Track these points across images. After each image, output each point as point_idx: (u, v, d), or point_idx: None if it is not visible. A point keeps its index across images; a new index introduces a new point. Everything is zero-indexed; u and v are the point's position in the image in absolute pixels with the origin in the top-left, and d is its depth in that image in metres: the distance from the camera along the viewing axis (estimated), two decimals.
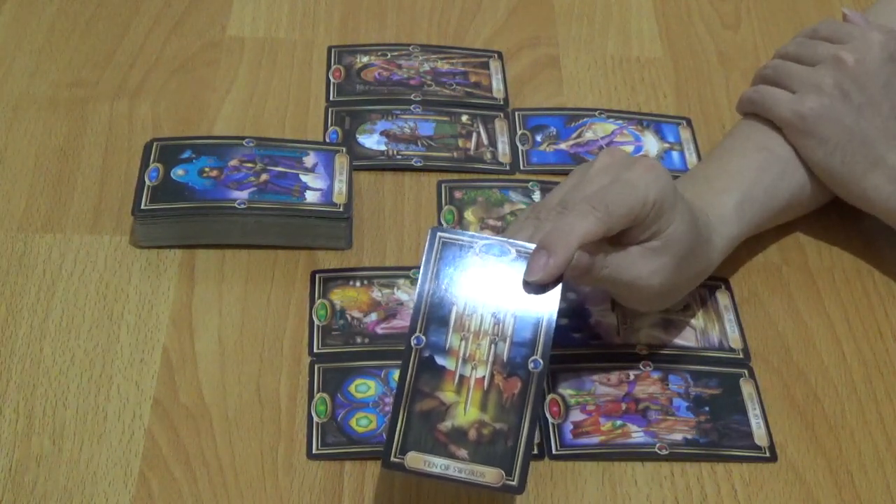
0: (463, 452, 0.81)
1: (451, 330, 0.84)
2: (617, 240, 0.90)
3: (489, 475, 0.81)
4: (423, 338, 0.83)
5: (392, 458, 0.81)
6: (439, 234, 0.87)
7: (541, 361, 0.83)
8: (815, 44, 1.05)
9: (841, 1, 1.32)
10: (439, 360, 0.83)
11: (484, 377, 0.83)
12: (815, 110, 1.01)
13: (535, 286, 0.85)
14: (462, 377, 0.83)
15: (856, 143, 1.01)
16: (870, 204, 1.02)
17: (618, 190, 0.88)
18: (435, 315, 0.84)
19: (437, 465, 0.81)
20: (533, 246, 0.86)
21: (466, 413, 0.82)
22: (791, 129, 1.02)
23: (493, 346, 0.84)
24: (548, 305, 0.85)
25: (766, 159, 1.02)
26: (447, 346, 0.84)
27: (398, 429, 0.81)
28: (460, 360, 0.83)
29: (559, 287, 0.86)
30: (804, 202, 1.05)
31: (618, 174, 0.89)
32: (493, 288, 0.85)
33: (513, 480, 0.81)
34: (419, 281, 0.85)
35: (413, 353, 0.83)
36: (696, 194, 0.98)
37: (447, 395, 0.82)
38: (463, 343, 0.84)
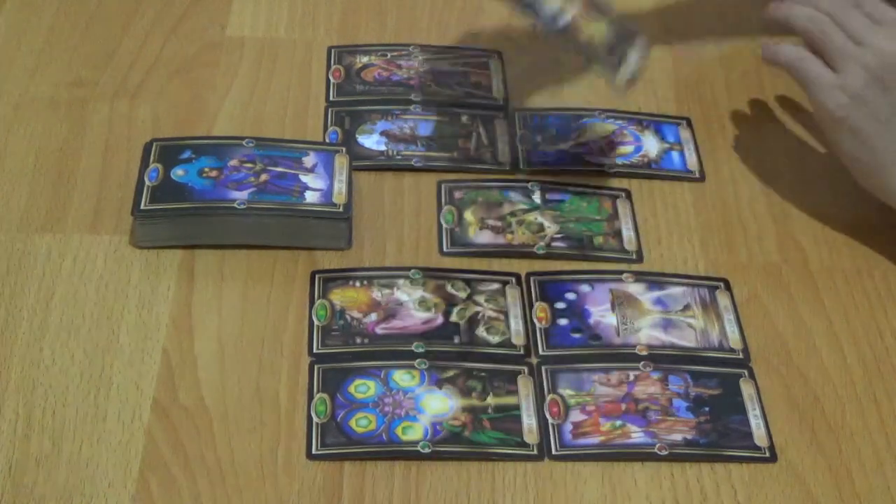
0: None
1: None
2: None
3: None
4: None
5: None
6: None
7: None
8: (853, 13, 1.04)
9: None
10: None
11: None
12: (850, 107, 1.01)
13: None
14: None
15: (887, 140, 1.01)
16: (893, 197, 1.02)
17: None
18: None
19: None
20: None
21: None
22: (826, 119, 1.02)
23: None
24: None
25: None
26: None
27: None
28: None
29: None
30: None
31: None
32: None
33: None
34: None
35: None
36: None
37: None
38: None
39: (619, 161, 1.13)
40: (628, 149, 1.14)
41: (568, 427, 0.92)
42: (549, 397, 0.94)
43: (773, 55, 1.07)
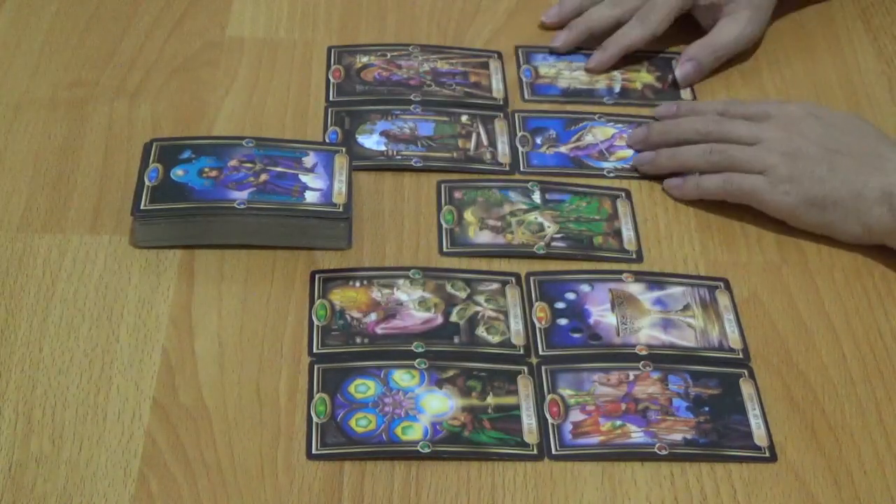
0: None
1: None
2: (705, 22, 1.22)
3: None
4: None
5: None
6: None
7: None
8: (732, 125, 1.09)
9: (840, 1, 1.32)
10: None
11: None
12: (795, 190, 1.04)
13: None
14: None
15: (838, 185, 1.03)
16: (876, 236, 1.04)
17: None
18: None
19: None
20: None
21: None
22: (786, 211, 1.05)
23: None
24: None
25: None
26: None
27: None
28: None
29: None
30: None
31: None
32: None
33: None
34: None
35: None
36: None
37: None
38: None
39: (618, 165, 1.13)
40: (628, 152, 1.14)
41: (568, 427, 0.92)
42: (548, 397, 0.94)
43: (696, 191, 1.10)
